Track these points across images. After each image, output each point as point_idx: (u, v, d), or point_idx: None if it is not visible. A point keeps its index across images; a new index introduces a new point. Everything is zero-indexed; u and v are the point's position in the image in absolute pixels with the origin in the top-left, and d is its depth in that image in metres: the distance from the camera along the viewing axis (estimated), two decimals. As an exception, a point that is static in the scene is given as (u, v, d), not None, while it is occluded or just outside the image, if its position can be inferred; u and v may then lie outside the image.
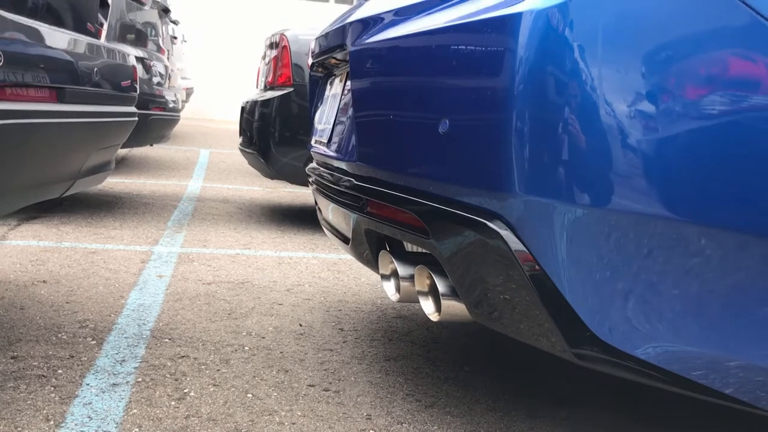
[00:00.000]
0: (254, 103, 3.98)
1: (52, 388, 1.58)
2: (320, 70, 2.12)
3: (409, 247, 1.57)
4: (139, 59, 4.24)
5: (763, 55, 1.05)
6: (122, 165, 6.03)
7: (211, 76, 14.52)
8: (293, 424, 1.51)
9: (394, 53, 1.40)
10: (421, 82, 1.29)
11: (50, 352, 1.79)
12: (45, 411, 1.47)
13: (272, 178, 4.07)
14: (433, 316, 1.37)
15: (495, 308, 1.21)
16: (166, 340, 1.95)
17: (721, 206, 1.07)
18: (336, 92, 1.88)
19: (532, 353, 2.06)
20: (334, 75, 1.98)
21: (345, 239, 1.76)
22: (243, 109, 4.25)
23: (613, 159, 1.05)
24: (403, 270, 1.42)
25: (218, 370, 1.77)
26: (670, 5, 1.06)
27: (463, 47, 1.19)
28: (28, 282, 2.39)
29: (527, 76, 1.07)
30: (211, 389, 1.65)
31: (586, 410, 1.69)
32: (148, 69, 4.44)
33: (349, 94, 1.58)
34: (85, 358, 1.77)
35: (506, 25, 1.10)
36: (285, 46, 3.83)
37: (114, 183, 4.94)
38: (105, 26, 2.09)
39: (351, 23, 1.63)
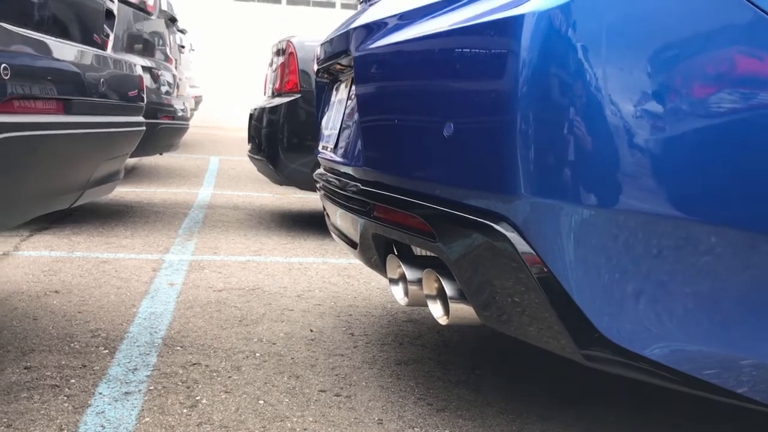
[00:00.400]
0: (262, 110, 3.99)
1: (65, 398, 1.59)
2: (326, 76, 2.12)
3: (417, 250, 1.57)
4: (146, 69, 4.26)
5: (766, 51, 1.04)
6: (133, 174, 6.07)
7: (220, 84, 14.59)
8: (305, 429, 1.51)
9: (397, 58, 1.40)
10: (426, 86, 1.29)
11: (63, 362, 1.80)
12: (58, 421, 1.48)
13: (281, 184, 4.08)
14: (442, 320, 1.37)
15: (503, 311, 1.21)
16: (178, 347, 1.96)
17: (729, 204, 1.06)
18: (342, 97, 1.88)
19: (542, 354, 2.05)
20: (340, 80, 1.99)
21: (353, 244, 1.76)
22: (251, 116, 4.27)
23: (619, 159, 1.05)
24: (411, 274, 1.42)
25: (230, 377, 1.77)
26: (674, 4, 1.06)
27: (467, 50, 1.19)
28: (40, 292, 2.41)
29: (531, 77, 1.07)
30: (223, 396, 1.65)
31: (596, 410, 1.69)
32: (156, 78, 4.47)
33: (355, 100, 1.59)
34: (98, 367, 1.78)
35: (509, 28, 1.10)
36: (292, 53, 3.84)
37: (125, 192, 4.97)
38: (111, 37, 2.11)
39: (354, 29, 1.63)
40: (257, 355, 1.94)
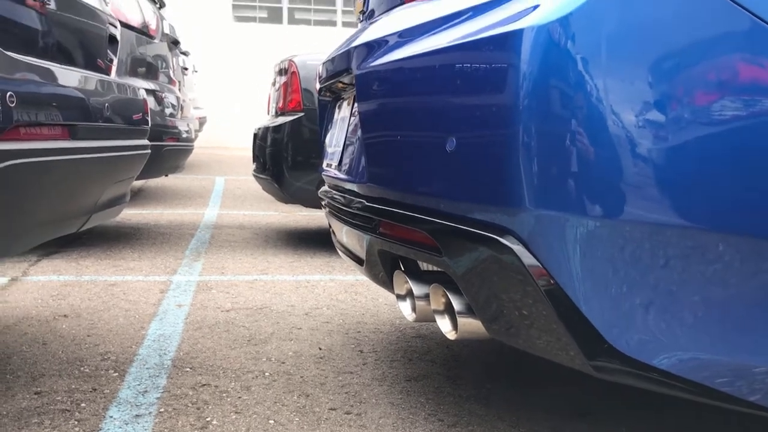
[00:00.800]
0: (266, 129, 4.01)
1: (76, 422, 1.59)
2: (328, 94, 2.14)
3: (424, 265, 1.57)
4: (150, 92, 4.29)
5: (766, 58, 1.05)
6: (139, 196, 6.09)
7: (223, 104, 14.67)
8: (316, 448, 1.50)
9: (399, 75, 1.41)
10: (428, 101, 1.30)
11: (73, 386, 1.80)
12: (69, 445, 1.48)
13: (286, 202, 4.09)
14: (451, 335, 1.37)
15: (511, 324, 1.21)
16: (187, 369, 1.96)
17: (734, 211, 1.06)
18: (344, 115, 1.89)
19: (552, 366, 2.05)
20: (342, 98, 2.00)
21: (359, 261, 1.76)
22: (255, 135, 4.29)
23: (622, 169, 1.05)
24: (418, 289, 1.42)
25: (240, 397, 1.77)
26: (671, 14, 1.06)
27: (467, 66, 1.19)
28: (49, 317, 2.42)
29: (532, 90, 1.07)
30: (233, 417, 1.65)
31: (608, 422, 1.68)
32: (160, 101, 4.50)
33: (357, 117, 1.60)
34: (108, 391, 1.78)
35: (508, 42, 1.10)
36: (294, 72, 3.86)
37: (131, 214, 4.98)
38: (115, 62, 2.13)
39: (355, 47, 1.65)
40: (267, 374, 1.94)
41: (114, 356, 2.04)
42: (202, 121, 10.37)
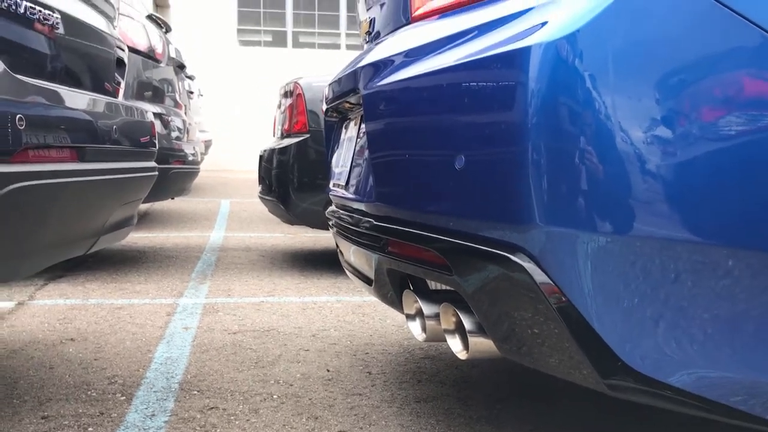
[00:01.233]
0: (272, 151, 4.02)
1: (83, 447, 1.57)
2: (335, 114, 2.14)
3: (433, 285, 1.56)
4: (157, 115, 4.32)
5: (776, 72, 1.04)
6: (145, 219, 6.10)
7: (229, 127, 14.74)
8: (325, 471, 1.48)
9: (406, 94, 1.41)
10: (436, 120, 1.30)
11: (80, 410, 1.79)
12: (76, 470, 1.46)
13: (292, 223, 4.09)
14: (461, 354, 1.35)
15: (523, 343, 1.20)
16: (195, 392, 1.94)
17: (746, 226, 1.05)
18: (351, 135, 1.90)
19: (563, 385, 2.02)
20: (349, 119, 2.00)
21: (368, 281, 1.75)
22: (261, 157, 4.30)
23: (633, 185, 1.05)
24: (427, 309, 1.41)
25: (248, 420, 1.75)
26: (679, 30, 1.06)
27: (475, 84, 1.19)
28: (56, 341, 2.41)
29: (540, 108, 1.07)
30: (242, 440, 1.63)
31: (624, 443, 1.65)
32: (166, 124, 4.53)
33: (365, 136, 1.60)
34: (115, 414, 1.76)
35: (516, 60, 1.11)
36: (299, 94, 3.88)
37: (138, 238, 4.99)
38: (122, 84, 2.14)
39: (362, 67, 1.65)
40: (275, 396, 1.92)
41: (121, 380, 2.02)
42: (207, 144, 10.42)
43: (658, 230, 1.05)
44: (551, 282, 1.08)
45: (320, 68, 13.92)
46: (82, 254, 1.95)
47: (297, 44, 15.83)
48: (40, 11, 1.57)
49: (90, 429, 1.67)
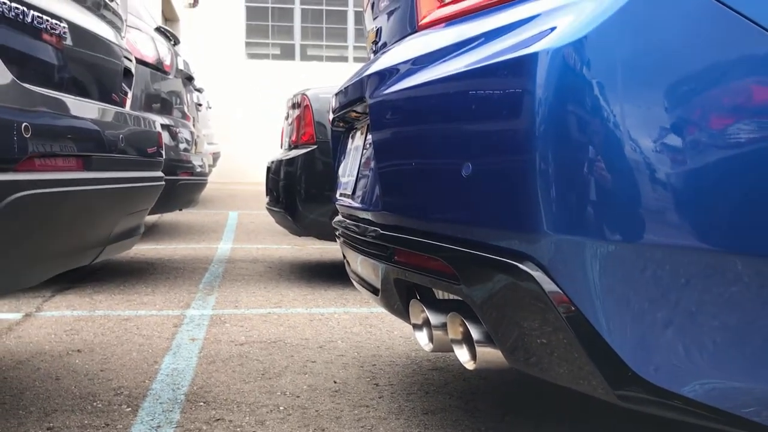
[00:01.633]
0: (279, 162, 4.02)
1: (88, 458, 1.56)
2: (341, 124, 2.14)
3: (440, 294, 1.55)
4: (165, 126, 4.33)
5: (788, 78, 1.03)
6: (153, 231, 6.11)
7: (236, 140, 14.79)
8: (332, 484, 1.46)
9: (412, 102, 1.40)
10: (442, 128, 1.29)
11: (86, 422, 1.77)
12: (81, 482, 1.45)
13: (300, 235, 4.08)
14: (469, 365, 1.34)
15: (532, 353, 1.18)
16: (201, 403, 1.93)
17: (755, 234, 1.04)
18: (358, 144, 1.89)
19: (572, 396, 2.00)
20: (355, 128, 2.00)
21: (375, 290, 1.74)
22: (269, 169, 4.30)
23: (642, 193, 1.03)
24: (435, 318, 1.40)
25: (254, 431, 1.74)
26: (688, 36, 1.05)
27: (482, 91, 1.18)
28: (62, 352, 2.40)
29: (548, 115, 1.06)
30: (247, 452, 1.62)
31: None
32: (174, 136, 4.54)
33: (371, 145, 1.59)
34: (121, 426, 1.75)
35: (523, 67, 1.10)
36: (307, 106, 3.88)
37: (145, 249, 4.99)
38: (129, 94, 2.15)
39: (368, 76, 1.65)
40: (281, 408, 1.91)
41: (127, 391, 2.01)
42: (216, 156, 10.45)
43: (669, 238, 1.04)
44: (560, 291, 1.07)
45: (328, 81, 13.96)
46: (87, 264, 1.94)
47: (305, 57, 15.90)
48: (47, 20, 1.57)
49: (95, 440, 1.66)
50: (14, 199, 1.25)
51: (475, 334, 1.28)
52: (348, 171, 1.95)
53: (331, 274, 4.17)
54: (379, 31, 1.89)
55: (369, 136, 1.69)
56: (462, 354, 1.36)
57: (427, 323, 1.47)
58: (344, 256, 2.07)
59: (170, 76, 4.72)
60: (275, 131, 14.54)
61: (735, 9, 1.04)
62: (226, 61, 15.18)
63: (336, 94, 2.05)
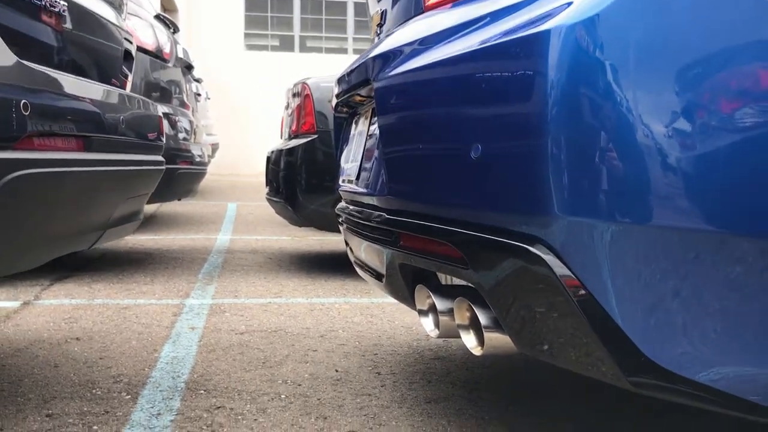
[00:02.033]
0: (279, 152, 3.99)
1: (87, 445, 1.54)
2: (344, 109, 2.11)
3: (446, 279, 1.52)
4: (164, 114, 4.29)
5: (808, 56, 1.00)
6: (151, 221, 6.08)
7: (235, 131, 14.73)
8: (335, 472, 1.44)
9: (419, 83, 1.38)
10: (450, 110, 1.26)
11: (85, 409, 1.75)
12: (80, 468, 1.42)
13: (300, 225, 4.05)
14: (476, 351, 1.31)
15: (542, 338, 1.16)
16: (201, 391, 1.90)
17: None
18: (362, 129, 1.86)
19: (579, 384, 1.98)
20: (359, 114, 1.97)
21: (379, 276, 1.71)
22: (268, 158, 4.27)
23: (655, 175, 1.01)
24: (441, 304, 1.37)
25: (255, 419, 1.72)
26: (704, 19, 1.02)
27: (491, 71, 1.16)
28: (61, 340, 2.37)
29: (560, 96, 1.03)
30: (249, 439, 1.59)
31: (642, 445, 1.61)
32: (173, 124, 4.50)
33: (377, 129, 1.56)
34: (120, 413, 1.73)
35: (534, 45, 1.07)
36: (308, 95, 3.85)
37: (144, 239, 4.96)
38: (130, 77, 2.11)
39: (374, 58, 1.62)
40: (282, 396, 1.88)
41: (127, 379, 1.99)
42: (214, 148, 10.40)
43: (682, 221, 1.01)
44: (572, 274, 1.04)
45: (327, 72, 13.91)
46: (87, 248, 1.92)
47: (304, 48, 15.83)
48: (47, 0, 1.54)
49: (95, 427, 1.64)
50: (12, 178, 1.22)
51: (482, 319, 1.26)
52: (352, 157, 1.93)
53: (332, 265, 4.15)
54: (384, 14, 1.86)
55: (374, 120, 1.67)
56: (469, 339, 1.33)
57: (433, 309, 1.45)
58: (347, 242, 2.05)
59: (170, 64, 4.69)
60: (274, 122, 14.49)
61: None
62: (225, 53, 15.11)
63: (339, 79, 2.02)
